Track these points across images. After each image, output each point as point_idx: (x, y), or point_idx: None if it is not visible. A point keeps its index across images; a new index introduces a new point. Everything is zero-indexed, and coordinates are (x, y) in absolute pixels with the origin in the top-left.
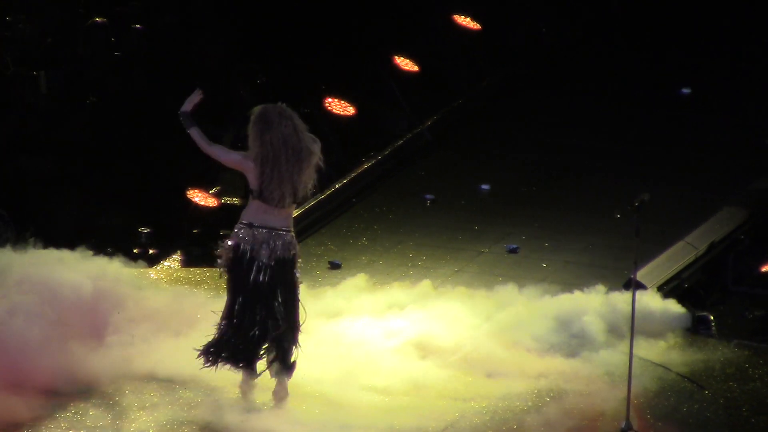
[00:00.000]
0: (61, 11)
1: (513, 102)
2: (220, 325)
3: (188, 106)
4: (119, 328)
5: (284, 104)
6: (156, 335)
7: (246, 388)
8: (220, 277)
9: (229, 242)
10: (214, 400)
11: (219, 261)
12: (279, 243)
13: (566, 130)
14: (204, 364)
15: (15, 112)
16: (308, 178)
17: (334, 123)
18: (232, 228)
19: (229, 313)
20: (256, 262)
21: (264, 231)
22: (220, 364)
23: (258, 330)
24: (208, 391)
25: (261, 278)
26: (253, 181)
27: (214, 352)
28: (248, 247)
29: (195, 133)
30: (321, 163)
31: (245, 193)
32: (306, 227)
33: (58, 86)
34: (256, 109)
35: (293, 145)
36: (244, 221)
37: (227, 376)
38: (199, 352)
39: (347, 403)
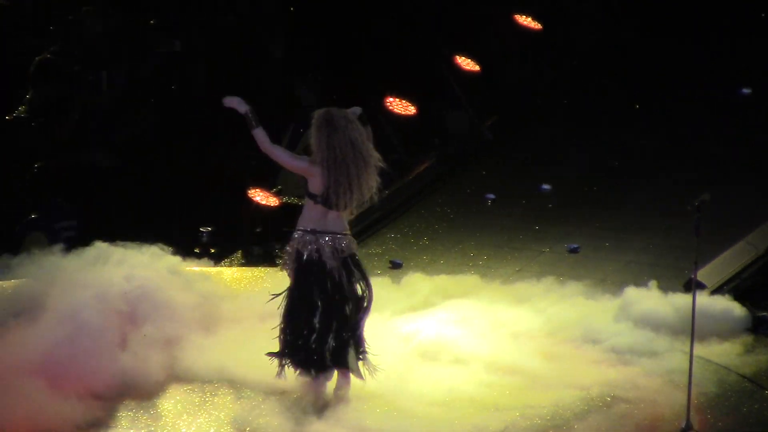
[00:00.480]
0: (124, 11)
1: (574, 102)
2: (288, 330)
3: (233, 103)
4: (180, 328)
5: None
6: (216, 335)
7: (315, 392)
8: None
9: (289, 249)
10: (274, 403)
11: (285, 269)
12: (344, 245)
13: (627, 129)
14: (279, 370)
15: (77, 110)
16: (373, 182)
17: (395, 122)
18: (293, 227)
19: (306, 319)
20: (325, 268)
21: (327, 236)
22: (290, 369)
23: (333, 335)
24: (268, 394)
25: (331, 283)
26: (317, 186)
27: (290, 358)
28: (315, 255)
29: (259, 133)
30: (382, 165)
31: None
32: (367, 227)
33: (119, 85)
34: (320, 113)
35: (360, 149)
36: (305, 228)
37: (287, 378)
38: (272, 357)
39: (406, 410)
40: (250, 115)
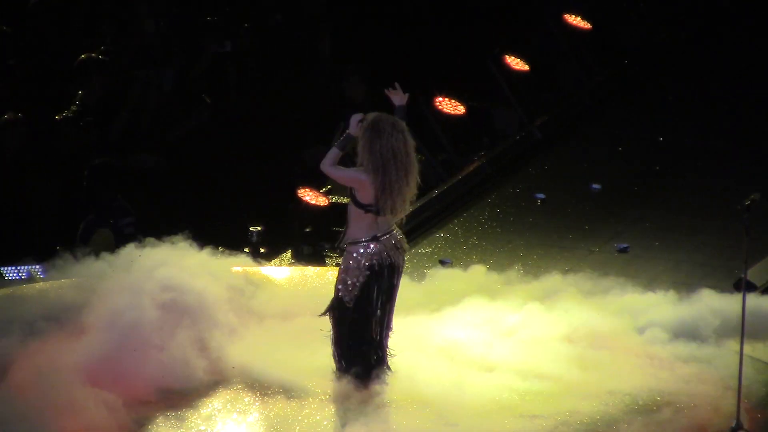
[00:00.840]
0: (178, 10)
1: (623, 101)
2: (349, 341)
3: (354, 129)
4: (227, 328)
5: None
6: (264, 335)
7: (362, 395)
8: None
9: (352, 264)
10: (322, 403)
11: (345, 294)
12: (400, 238)
13: (676, 129)
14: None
15: (128, 110)
16: (412, 194)
17: (444, 122)
18: (342, 226)
19: (367, 328)
20: (396, 269)
21: (387, 236)
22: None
23: (383, 340)
24: (315, 394)
25: (396, 283)
26: (368, 196)
27: (348, 366)
28: (387, 260)
29: (334, 153)
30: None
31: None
32: (416, 226)
33: (170, 85)
34: (370, 117)
35: (401, 159)
36: (367, 238)
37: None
38: (337, 366)
39: (453, 409)
40: (344, 137)
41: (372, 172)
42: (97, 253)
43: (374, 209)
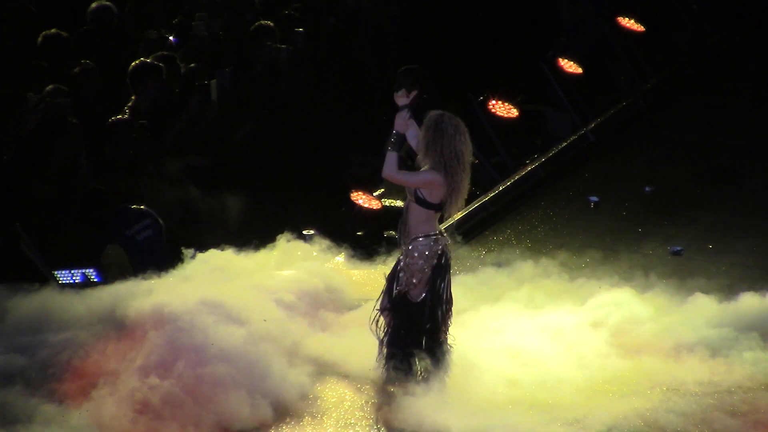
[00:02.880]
0: (231, 13)
1: (676, 104)
2: (429, 336)
3: (401, 126)
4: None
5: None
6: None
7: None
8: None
9: (432, 259)
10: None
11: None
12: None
13: (728, 131)
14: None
15: (185, 115)
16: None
17: (497, 125)
18: (395, 229)
19: (442, 319)
20: (450, 264)
21: (445, 232)
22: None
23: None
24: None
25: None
26: (438, 195)
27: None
28: (449, 253)
29: (394, 157)
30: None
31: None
32: (470, 229)
33: (225, 89)
34: (433, 115)
35: (464, 160)
36: (434, 233)
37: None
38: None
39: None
40: (395, 138)
41: (443, 171)
42: (114, 274)
43: (441, 208)
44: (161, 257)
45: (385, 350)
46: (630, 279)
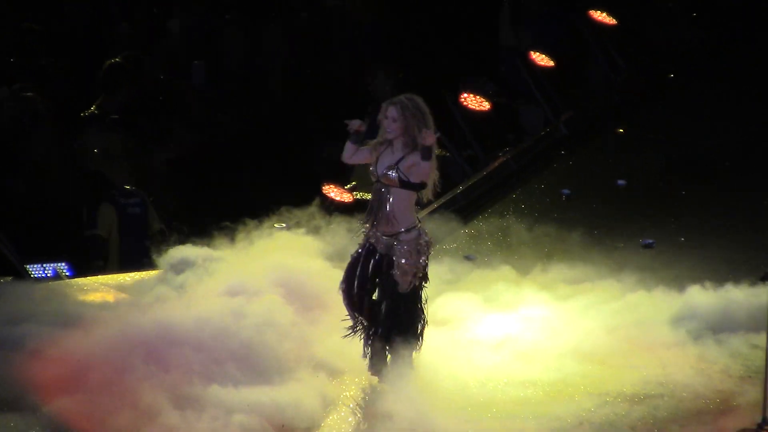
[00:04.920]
0: (203, 9)
1: (649, 98)
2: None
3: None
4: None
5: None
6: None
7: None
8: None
9: (425, 246)
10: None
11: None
12: None
13: (703, 127)
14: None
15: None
16: None
17: (470, 118)
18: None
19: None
20: None
21: None
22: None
23: None
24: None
25: None
26: (422, 175)
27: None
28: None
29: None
30: None
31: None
32: (441, 222)
33: (198, 85)
34: (406, 97)
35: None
36: (419, 220)
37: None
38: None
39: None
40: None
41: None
42: (106, 232)
43: (424, 187)
44: (143, 237)
45: (384, 338)
46: (601, 271)
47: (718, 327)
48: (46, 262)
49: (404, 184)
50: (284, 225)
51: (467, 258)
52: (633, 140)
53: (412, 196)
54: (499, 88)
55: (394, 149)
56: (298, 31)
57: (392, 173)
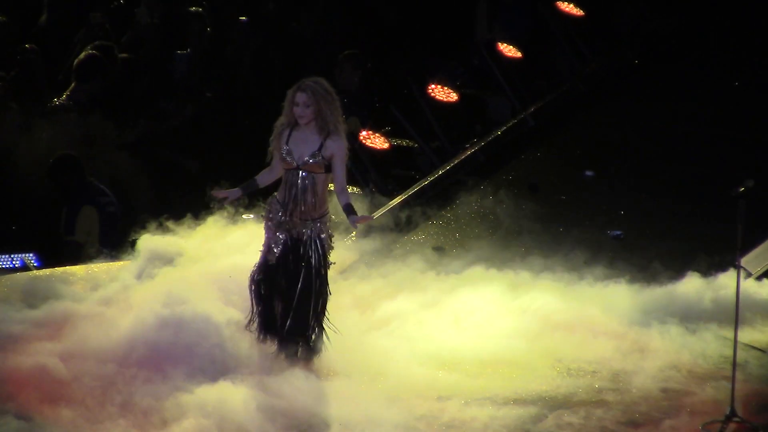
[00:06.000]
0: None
1: (617, 88)
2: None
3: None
4: None
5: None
6: None
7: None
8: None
9: (331, 233)
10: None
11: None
12: None
13: (671, 117)
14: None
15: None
16: None
17: (437, 109)
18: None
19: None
20: None
21: None
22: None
23: None
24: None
25: None
26: (344, 161)
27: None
28: None
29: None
30: None
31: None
32: (410, 214)
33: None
34: (314, 81)
35: None
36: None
37: None
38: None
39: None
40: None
41: (339, 134)
42: (84, 236)
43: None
44: (115, 236)
45: (305, 327)
46: (569, 263)
47: (685, 317)
48: (13, 253)
49: (328, 168)
50: (251, 216)
51: (435, 249)
52: (600, 130)
53: (329, 178)
54: (470, 77)
55: (308, 134)
56: (266, 22)
57: (315, 160)
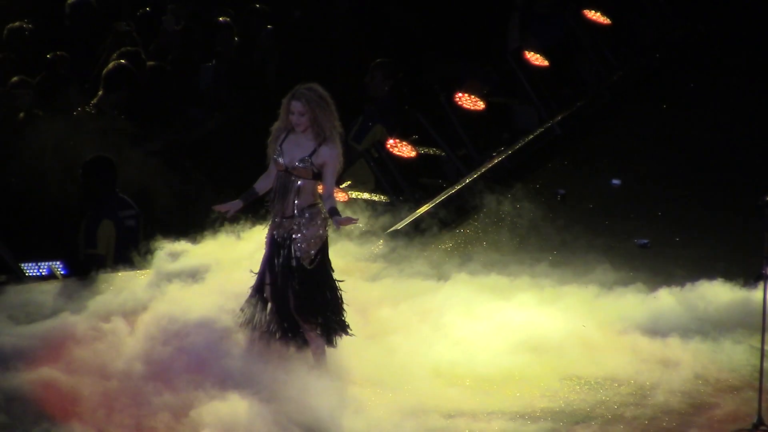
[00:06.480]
0: (195, 7)
1: (643, 97)
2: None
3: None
4: None
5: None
6: None
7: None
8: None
9: (323, 226)
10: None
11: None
12: None
13: (697, 126)
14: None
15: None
16: None
17: (464, 118)
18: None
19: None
20: None
21: None
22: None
23: None
24: None
25: None
26: (336, 170)
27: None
28: None
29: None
30: None
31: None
32: (437, 222)
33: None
34: (309, 88)
35: None
36: (319, 201)
37: None
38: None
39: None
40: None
41: (334, 140)
42: (104, 249)
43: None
44: (132, 250)
45: (299, 319)
46: (595, 271)
47: (714, 327)
48: (40, 261)
49: (316, 176)
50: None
51: (462, 258)
52: (627, 139)
53: (318, 183)
54: (498, 85)
55: (302, 140)
56: (292, 30)
57: (304, 165)
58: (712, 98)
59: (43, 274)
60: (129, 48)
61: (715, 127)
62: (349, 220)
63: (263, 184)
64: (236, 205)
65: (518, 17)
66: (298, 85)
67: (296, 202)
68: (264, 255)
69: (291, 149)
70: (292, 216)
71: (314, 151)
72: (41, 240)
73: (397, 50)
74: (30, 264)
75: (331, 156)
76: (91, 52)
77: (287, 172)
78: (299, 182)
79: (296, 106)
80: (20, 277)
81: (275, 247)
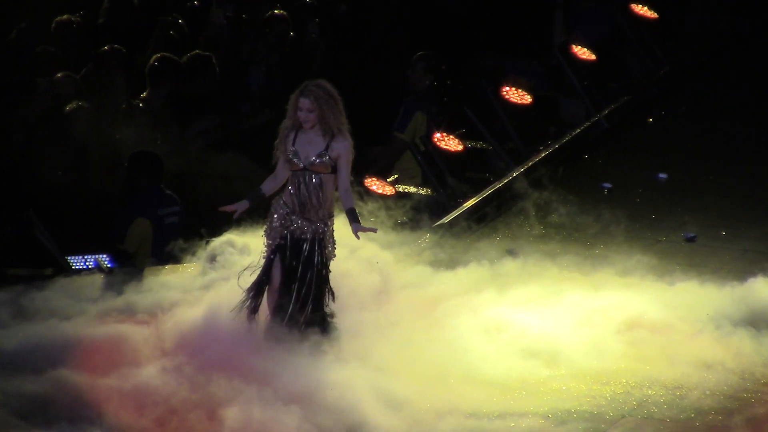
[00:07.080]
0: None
1: (690, 91)
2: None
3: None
4: None
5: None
6: None
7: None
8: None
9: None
10: None
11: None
12: None
13: (743, 118)
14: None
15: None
16: None
17: (511, 111)
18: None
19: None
20: None
21: None
22: None
23: None
24: None
25: None
26: (350, 162)
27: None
28: None
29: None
30: None
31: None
32: (484, 215)
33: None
34: (318, 84)
35: None
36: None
37: None
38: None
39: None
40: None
41: (345, 134)
42: (134, 247)
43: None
44: (172, 246)
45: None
46: (643, 266)
47: (761, 322)
48: (87, 254)
49: (333, 170)
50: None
51: (508, 252)
52: (673, 132)
53: (335, 180)
54: (544, 78)
55: (312, 136)
56: (338, 23)
57: (321, 160)
58: (759, 92)
59: (89, 267)
60: (199, 51)
61: (764, 121)
62: (369, 230)
63: (270, 185)
64: (243, 205)
65: (563, 11)
66: (306, 81)
67: (319, 201)
68: (268, 254)
69: (304, 147)
70: (316, 219)
71: (328, 146)
72: (88, 233)
73: (444, 43)
74: (77, 257)
75: (344, 148)
76: (135, 46)
77: (304, 170)
78: (320, 179)
79: (305, 102)
80: (66, 270)
81: (292, 245)
